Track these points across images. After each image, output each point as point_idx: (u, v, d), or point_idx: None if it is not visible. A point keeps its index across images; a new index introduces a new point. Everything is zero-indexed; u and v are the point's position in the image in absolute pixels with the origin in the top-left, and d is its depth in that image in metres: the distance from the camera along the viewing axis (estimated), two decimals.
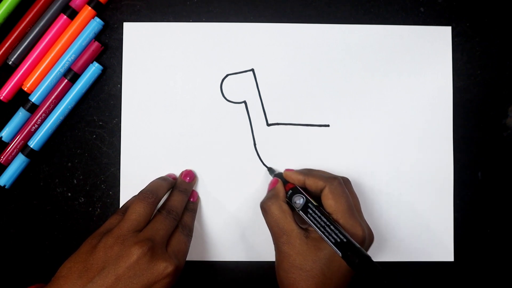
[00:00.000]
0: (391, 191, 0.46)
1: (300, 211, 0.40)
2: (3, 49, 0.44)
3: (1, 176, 0.45)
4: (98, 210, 0.46)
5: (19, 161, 0.45)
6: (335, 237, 0.37)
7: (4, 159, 0.45)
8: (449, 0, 0.47)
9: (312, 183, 0.41)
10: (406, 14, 0.47)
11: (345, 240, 0.36)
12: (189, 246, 0.40)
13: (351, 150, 0.46)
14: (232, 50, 0.46)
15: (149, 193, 0.40)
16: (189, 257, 0.45)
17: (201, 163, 0.46)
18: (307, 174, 0.42)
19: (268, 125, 0.46)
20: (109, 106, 0.46)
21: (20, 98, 0.45)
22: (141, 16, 0.46)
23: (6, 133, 0.45)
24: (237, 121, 0.46)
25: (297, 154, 0.46)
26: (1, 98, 0.45)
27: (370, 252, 0.40)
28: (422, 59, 0.46)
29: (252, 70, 0.46)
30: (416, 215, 0.46)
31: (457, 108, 0.46)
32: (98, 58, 0.46)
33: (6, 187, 0.45)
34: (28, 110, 0.45)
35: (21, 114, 0.45)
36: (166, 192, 0.43)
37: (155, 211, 0.40)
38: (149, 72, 0.46)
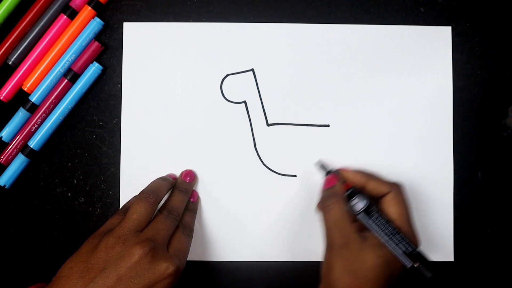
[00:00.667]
0: None
1: (362, 214, 0.39)
2: (3, 49, 0.44)
3: (1, 176, 0.45)
4: (98, 210, 0.46)
5: (19, 161, 0.45)
6: (403, 247, 0.36)
7: (4, 159, 0.45)
8: (449, 0, 0.47)
9: (375, 186, 0.40)
10: (406, 14, 0.47)
11: (415, 251, 0.36)
12: (190, 246, 0.40)
13: (351, 150, 0.46)
14: (232, 50, 0.46)
15: (150, 193, 0.40)
16: (189, 257, 0.45)
17: (201, 163, 0.46)
18: (370, 176, 0.41)
19: (268, 125, 0.46)
20: (109, 106, 0.46)
21: (20, 98, 0.45)
22: (141, 16, 0.46)
23: (6, 133, 0.45)
24: (237, 121, 0.46)
25: (297, 154, 0.46)
26: (1, 98, 0.45)
27: None
28: (422, 59, 0.46)
29: (252, 70, 0.46)
30: (416, 215, 0.46)
31: (457, 108, 0.46)
32: (98, 58, 0.46)
33: (6, 187, 0.45)
34: (28, 110, 0.45)
35: (21, 114, 0.45)
36: (167, 192, 0.42)
37: (156, 211, 0.40)
38: (149, 72, 0.46)
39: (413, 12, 0.47)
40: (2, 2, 0.44)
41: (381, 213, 0.39)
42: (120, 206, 0.45)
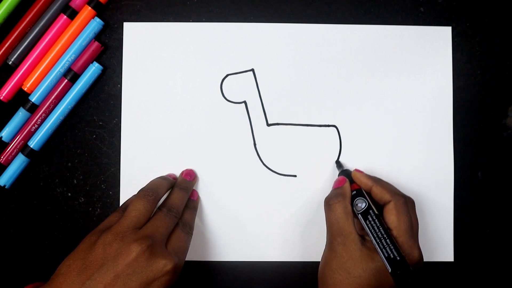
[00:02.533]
0: None
1: (360, 215, 0.40)
2: (3, 49, 0.44)
3: (1, 176, 0.45)
4: (98, 210, 0.46)
5: (19, 161, 0.45)
6: (389, 251, 0.37)
7: (4, 159, 0.45)
8: (449, 0, 0.47)
9: (379, 193, 0.41)
10: (406, 14, 0.47)
11: (398, 258, 0.36)
12: (189, 243, 0.40)
13: (351, 150, 0.46)
14: (232, 50, 0.46)
15: (149, 191, 0.40)
16: (189, 257, 0.45)
17: (201, 163, 0.46)
18: (376, 181, 0.42)
19: (268, 125, 0.46)
20: (109, 106, 0.46)
21: (20, 98, 0.45)
22: (141, 16, 0.46)
23: (6, 133, 0.45)
24: (237, 121, 0.46)
25: (297, 154, 0.46)
26: (1, 98, 0.45)
27: None
28: (422, 59, 0.46)
29: (252, 70, 0.46)
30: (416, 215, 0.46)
31: (457, 108, 0.46)
32: (98, 58, 0.46)
33: (6, 187, 0.45)
34: (28, 110, 0.45)
35: (21, 114, 0.45)
36: (166, 191, 0.42)
37: (155, 209, 0.40)
38: (149, 72, 0.46)
39: (413, 12, 0.47)
40: (2, 2, 0.44)
41: (378, 217, 0.39)
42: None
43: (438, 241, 0.46)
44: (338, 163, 0.46)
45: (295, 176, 0.46)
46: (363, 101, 0.46)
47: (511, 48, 0.47)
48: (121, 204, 0.46)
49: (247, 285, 0.46)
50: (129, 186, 0.46)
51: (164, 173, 0.45)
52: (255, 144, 0.46)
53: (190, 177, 0.45)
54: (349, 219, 0.40)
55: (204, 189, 0.46)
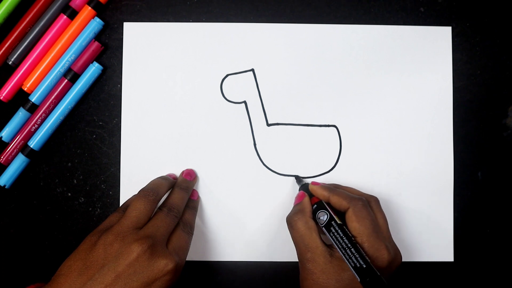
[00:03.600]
0: (391, 191, 0.46)
1: (324, 228, 0.39)
2: (3, 49, 0.44)
3: (1, 176, 0.45)
4: (98, 210, 0.46)
5: (19, 161, 0.45)
6: (355, 261, 0.36)
7: (4, 159, 0.45)
8: (449, 0, 0.47)
9: (337, 202, 0.40)
10: (406, 14, 0.47)
11: (364, 265, 0.36)
12: (190, 243, 0.40)
13: (351, 150, 0.46)
14: (232, 50, 0.46)
15: (150, 191, 0.40)
16: (189, 257, 0.45)
17: (201, 163, 0.46)
18: (332, 191, 0.41)
19: (268, 125, 0.46)
20: (109, 106, 0.46)
21: (20, 98, 0.45)
22: (141, 16, 0.46)
23: (6, 133, 0.45)
24: (237, 121, 0.46)
25: (297, 154, 0.46)
26: (1, 98, 0.45)
27: None
28: (422, 59, 0.46)
29: (252, 70, 0.46)
30: (416, 215, 0.46)
31: (457, 108, 0.46)
32: (98, 58, 0.46)
33: (6, 187, 0.45)
34: (28, 110, 0.45)
35: (21, 114, 0.45)
36: (167, 191, 0.42)
37: (156, 209, 0.40)
38: (149, 72, 0.46)
39: (413, 12, 0.47)
40: (2, 2, 0.44)
41: (340, 227, 0.38)
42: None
43: (438, 241, 0.46)
44: (298, 178, 0.45)
45: (295, 176, 0.46)
46: (363, 101, 0.46)
47: (511, 48, 0.47)
48: (121, 204, 0.46)
49: (247, 285, 0.46)
50: (129, 186, 0.46)
51: (164, 173, 0.45)
52: (255, 144, 0.46)
53: (190, 177, 0.45)
54: (313, 233, 0.39)
55: (204, 189, 0.46)
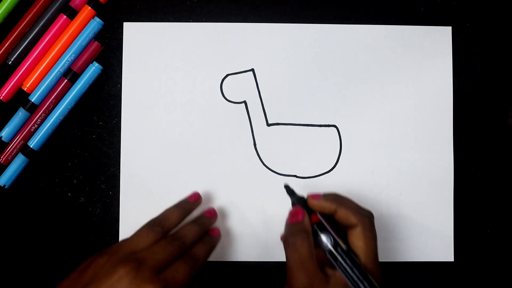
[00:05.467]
0: (391, 191, 0.46)
1: (328, 254, 0.36)
2: (3, 49, 0.44)
3: (1, 176, 0.45)
4: (98, 210, 0.46)
5: (19, 161, 0.45)
6: None
7: (4, 159, 0.44)
8: (449, 0, 0.47)
9: (344, 216, 0.37)
10: (406, 14, 0.47)
11: None
12: (188, 278, 0.36)
13: (351, 150, 0.46)
14: (232, 50, 0.46)
15: (156, 221, 0.38)
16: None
17: (201, 163, 0.46)
18: (341, 204, 0.38)
19: (268, 125, 0.46)
20: (109, 106, 0.46)
21: (20, 98, 0.45)
22: (141, 16, 0.46)
23: (6, 133, 0.45)
24: (237, 121, 0.46)
25: (297, 154, 0.46)
26: (1, 98, 0.45)
27: None
28: (422, 59, 0.46)
29: (252, 70, 0.46)
30: (416, 215, 0.46)
31: (457, 108, 0.46)
32: (98, 58, 0.46)
33: (6, 187, 0.45)
34: (28, 110, 0.45)
35: (21, 114, 0.45)
36: (180, 221, 0.40)
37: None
38: (149, 72, 0.46)
39: (413, 12, 0.47)
40: (2, 2, 0.44)
41: (348, 255, 0.36)
42: (120, 206, 0.45)
43: (438, 241, 0.46)
44: (288, 188, 0.40)
45: (295, 176, 0.46)
46: (363, 101, 0.46)
47: (511, 48, 0.47)
48: (121, 204, 0.46)
49: (247, 285, 0.46)
50: (129, 186, 0.46)
51: (163, 172, 0.45)
52: (255, 144, 0.46)
53: (210, 214, 0.43)
54: (314, 258, 0.36)
55: (204, 189, 0.46)
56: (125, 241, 0.37)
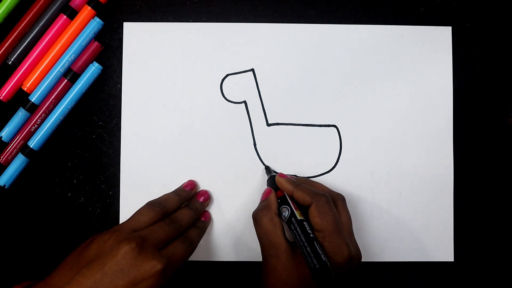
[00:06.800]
0: (391, 191, 0.46)
1: (285, 224, 0.40)
2: (3, 49, 0.44)
3: (1, 176, 0.45)
4: (98, 210, 0.46)
5: (19, 161, 0.45)
6: (310, 260, 0.36)
7: (4, 159, 0.44)
8: (449, 0, 0.47)
9: (300, 197, 0.40)
10: (406, 14, 0.47)
11: (318, 265, 0.35)
12: (186, 256, 0.39)
13: (351, 150, 0.46)
14: (232, 50, 0.46)
15: (157, 203, 0.40)
16: (189, 257, 0.45)
17: (201, 163, 0.46)
18: (297, 186, 0.41)
19: (268, 125, 0.46)
20: (109, 106, 0.46)
21: (20, 98, 0.45)
22: (141, 16, 0.46)
23: (6, 133, 0.44)
24: (237, 121, 0.46)
25: (296, 154, 0.46)
26: (1, 98, 0.45)
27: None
28: (422, 59, 0.46)
29: (252, 70, 0.46)
30: (416, 215, 0.46)
31: (457, 108, 0.46)
32: (98, 58, 0.46)
33: (6, 187, 0.45)
34: (28, 110, 0.45)
35: (21, 114, 0.45)
36: (177, 207, 0.42)
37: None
38: (149, 72, 0.46)
39: (413, 12, 0.47)
40: (2, 2, 0.44)
41: (300, 224, 0.38)
42: (120, 206, 0.46)
43: (438, 241, 0.46)
44: (267, 169, 0.45)
45: (295, 176, 0.46)
46: (363, 101, 0.46)
47: (511, 48, 0.47)
48: (121, 204, 0.46)
49: (247, 285, 0.46)
50: (129, 186, 0.46)
51: (163, 173, 0.45)
52: (255, 144, 0.46)
53: (203, 198, 0.45)
54: (277, 230, 0.39)
55: (204, 189, 0.46)
56: (127, 221, 0.38)
